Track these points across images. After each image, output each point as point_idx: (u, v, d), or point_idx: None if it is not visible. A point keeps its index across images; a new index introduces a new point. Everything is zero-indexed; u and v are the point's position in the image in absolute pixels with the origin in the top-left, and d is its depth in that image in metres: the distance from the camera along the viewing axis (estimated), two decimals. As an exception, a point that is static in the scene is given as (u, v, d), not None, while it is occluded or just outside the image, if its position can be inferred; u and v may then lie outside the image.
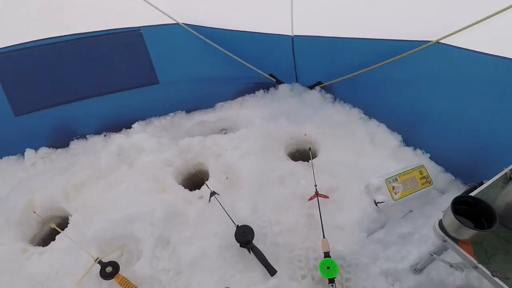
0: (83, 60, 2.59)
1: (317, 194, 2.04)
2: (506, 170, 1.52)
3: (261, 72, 3.08)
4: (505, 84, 1.72)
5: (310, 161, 2.33)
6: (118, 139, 2.69)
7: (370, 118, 2.71)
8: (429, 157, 2.30)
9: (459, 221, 1.20)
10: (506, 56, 1.66)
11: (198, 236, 2.05)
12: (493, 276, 1.15)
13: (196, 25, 2.71)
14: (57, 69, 2.55)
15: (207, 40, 2.76)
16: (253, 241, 1.91)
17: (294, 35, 2.66)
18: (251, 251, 1.89)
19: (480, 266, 1.18)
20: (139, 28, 2.60)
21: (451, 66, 1.99)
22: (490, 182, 1.48)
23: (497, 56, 1.70)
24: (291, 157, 2.63)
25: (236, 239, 1.92)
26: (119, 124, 2.91)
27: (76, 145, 2.79)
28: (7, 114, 2.51)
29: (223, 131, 3.02)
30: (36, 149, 2.72)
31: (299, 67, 3.03)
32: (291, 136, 2.68)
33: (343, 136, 2.55)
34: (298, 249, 1.94)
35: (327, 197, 2.09)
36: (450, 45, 1.93)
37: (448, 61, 1.99)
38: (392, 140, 2.45)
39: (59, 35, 2.43)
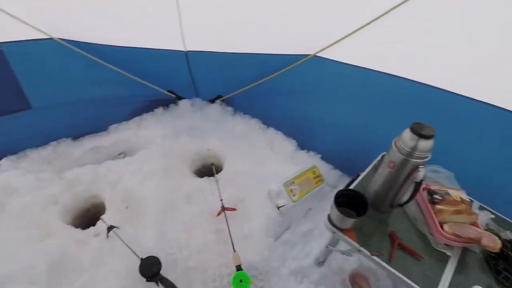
0: None
1: (223, 208, 2.02)
2: (375, 161, 1.79)
3: (158, 89, 2.94)
4: (370, 91, 2.04)
5: (214, 176, 2.30)
6: (-22, 182, 2.18)
7: (268, 127, 2.87)
8: (320, 158, 2.56)
9: (340, 213, 1.33)
10: (370, 68, 1.97)
11: (96, 281, 1.79)
12: (372, 255, 1.30)
13: (76, 41, 2.42)
14: None
15: (91, 56, 2.48)
16: (161, 272, 1.76)
17: (188, 51, 2.63)
18: (159, 283, 1.74)
19: (362, 248, 1.33)
20: (-1, 44, 2.17)
21: (327, 76, 2.26)
22: (364, 174, 1.71)
23: (363, 67, 2.00)
24: (198, 174, 2.56)
25: (141, 274, 1.74)
26: (-20, 163, 2.36)
27: None
28: None
29: (122, 155, 2.75)
30: None
31: (198, 82, 3.01)
32: (195, 152, 2.62)
33: (245, 146, 2.62)
34: (211, 269, 1.88)
35: (235, 209, 2.09)
36: (325, 58, 2.20)
37: (325, 72, 2.25)
38: (288, 145, 2.63)
39: None
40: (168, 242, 1.96)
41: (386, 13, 1.73)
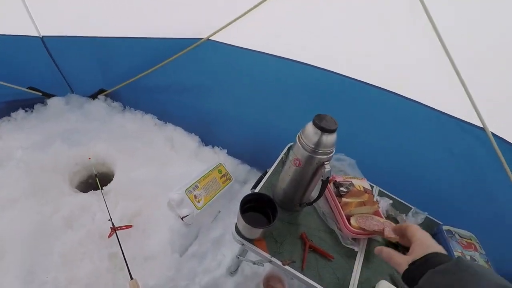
0: None
1: (114, 229, 1.70)
2: (281, 154, 1.71)
3: (14, 86, 2.29)
4: (270, 77, 1.92)
5: (100, 189, 1.92)
6: None
7: (166, 123, 2.55)
8: (226, 153, 2.40)
9: (247, 223, 1.20)
10: (263, 51, 1.84)
11: None
12: (283, 264, 1.22)
13: None
14: None
15: None
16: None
17: (43, 36, 2.09)
18: None
19: (273, 259, 1.24)
20: None
21: (223, 62, 2.06)
22: (272, 170, 1.61)
23: (256, 50, 1.86)
24: (83, 188, 2.12)
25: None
26: None
27: None
28: None
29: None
30: None
31: (69, 75, 2.47)
32: (76, 162, 2.15)
33: (140, 147, 2.27)
34: (104, 304, 1.57)
35: (130, 226, 1.79)
36: (219, 42, 1.99)
37: (220, 57, 2.04)
38: (190, 141, 2.40)
39: None
40: (42, 284, 1.54)
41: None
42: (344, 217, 1.40)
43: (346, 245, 1.38)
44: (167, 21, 2.07)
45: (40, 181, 1.93)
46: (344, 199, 1.45)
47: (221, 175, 2.04)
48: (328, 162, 1.23)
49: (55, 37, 2.10)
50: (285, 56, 1.82)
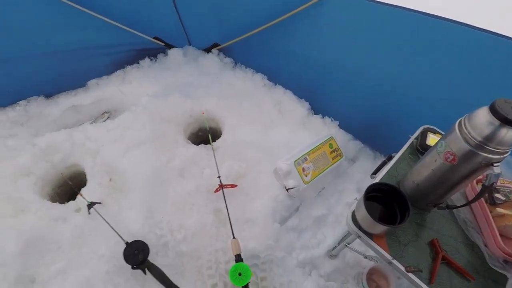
0: None
1: (221, 186, 1.73)
2: (412, 138, 1.42)
3: (142, 35, 2.45)
4: (403, 37, 1.54)
5: (210, 145, 1.96)
6: None
7: (275, 84, 2.43)
8: (338, 125, 2.17)
9: (372, 217, 1.02)
10: (400, 5, 1.46)
11: (77, 264, 1.57)
12: (407, 271, 1.02)
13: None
14: None
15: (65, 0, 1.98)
16: (149, 258, 1.54)
17: (173, -13, 2.11)
18: (146, 271, 1.53)
19: (394, 262, 1.05)
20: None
21: (347, 18, 1.72)
22: (398, 156, 1.35)
23: (392, 5, 1.48)
24: (193, 139, 2.23)
25: (125, 261, 1.52)
26: None
27: None
28: None
29: (106, 114, 2.40)
30: None
31: (189, 27, 2.52)
32: (190, 114, 2.25)
33: (248, 108, 2.23)
34: (207, 254, 1.65)
35: (235, 186, 1.80)
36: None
37: (344, 13, 1.71)
38: (300, 108, 2.23)
39: None
40: (158, 223, 1.70)
41: None
42: (496, 232, 1.09)
43: (494, 268, 1.09)
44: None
45: (160, 129, 2.08)
46: (499, 209, 1.13)
47: (332, 149, 1.85)
48: (498, 164, 0.91)
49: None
50: (433, 13, 1.39)
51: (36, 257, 1.59)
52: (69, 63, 2.32)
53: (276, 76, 2.43)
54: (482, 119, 0.87)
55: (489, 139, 0.86)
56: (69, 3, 2.00)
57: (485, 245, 1.13)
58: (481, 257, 1.11)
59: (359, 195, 1.12)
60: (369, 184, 1.11)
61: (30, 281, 1.54)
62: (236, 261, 1.50)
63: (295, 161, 1.68)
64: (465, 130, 0.92)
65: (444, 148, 0.99)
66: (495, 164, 0.91)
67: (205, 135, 2.30)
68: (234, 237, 1.57)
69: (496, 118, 0.83)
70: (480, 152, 0.89)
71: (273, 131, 2.15)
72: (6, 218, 1.69)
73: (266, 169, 1.84)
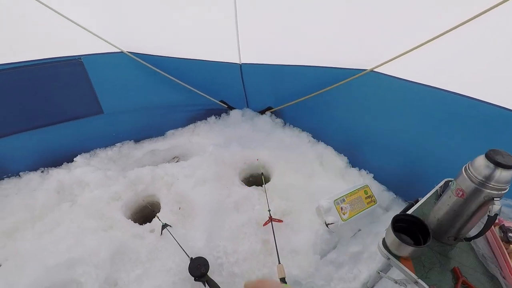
0: (17, 90, 2.38)
1: (271, 219, 2.06)
2: (437, 187, 1.69)
3: (212, 99, 3.12)
4: (430, 108, 1.94)
5: (263, 185, 2.36)
6: (57, 174, 2.49)
7: (318, 141, 2.87)
8: (373, 177, 2.47)
9: (398, 239, 1.28)
10: (428, 84, 1.89)
11: (150, 274, 1.93)
12: (431, 290, 1.23)
13: (142, 53, 2.69)
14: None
15: (154, 68, 2.74)
16: (208, 273, 1.84)
17: (242, 63, 2.76)
18: (206, 284, 1.82)
19: (419, 281, 1.26)
20: (79, 56, 2.48)
21: (384, 92, 2.20)
22: (424, 200, 1.62)
23: (421, 84, 1.93)
24: (245, 182, 2.64)
25: (190, 272, 1.84)
26: (59, 158, 2.69)
27: (7, 184, 2.50)
28: None
29: (175, 159, 2.95)
30: (-43, 191, 2.39)
31: (249, 93, 3.13)
32: (245, 161, 2.71)
33: (294, 159, 2.64)
34: (255, 277, 1.92)
35: (281, 221, 2.12)
36: (382, 73, 2.16)
37: (381, 88, 2.20)
38: (339, 161, 2.59)
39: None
40: (216, 246, 2.04)
41: (451, 29, 1.65)
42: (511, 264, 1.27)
43: (512, 298, 1.24)
44: (335, 53, 2.37)
45: (221, 171, 2.54)
46: (512, 247, 1.32)
47: (366, 196, 2.14)
48: (498, 199, 1.18)
49: (249, 64, 2.74)
50: (453, 91, 1.79)
51: (119, 265, 1.97)
52: (154, 116, 3.01)
53: (319, 134, 2.88)
54: (481, 163, 1.18)
55: (488, 178, 1.15)
56: (158, 71, 2.73)
57: (503, 277, 1.30)
58: (498, 286, 1.28)
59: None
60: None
61: (113, 284, 1.91)
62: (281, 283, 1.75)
63: (334, 200, 2.00)
64: (469, 172, 1.22)
65: (455, 185, 1.28)
66: (495, 199, 1.18)
67: (255, 180, 2.72)
68: (279, 263, 1.84)
69: (491, 162, 1.14)
70: (482, 188, 1.18)
71: (315, 179, 2.50)
72: (100, 231, 2.14)
73: (309, 208, 2.16)
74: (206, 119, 3.23)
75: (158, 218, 2.17)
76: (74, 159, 2.68)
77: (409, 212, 1.57)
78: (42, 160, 2.65)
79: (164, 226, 2.12)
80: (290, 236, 2.05)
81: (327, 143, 2.82)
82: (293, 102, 2.88)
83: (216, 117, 3.26)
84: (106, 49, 2.57)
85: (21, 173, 2.58)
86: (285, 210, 2.23)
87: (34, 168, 2.62)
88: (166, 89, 2.91)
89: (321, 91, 2.59)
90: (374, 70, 2.20)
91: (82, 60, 2.49)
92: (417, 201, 1.67)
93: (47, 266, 1.88)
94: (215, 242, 2.07)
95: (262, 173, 2.42)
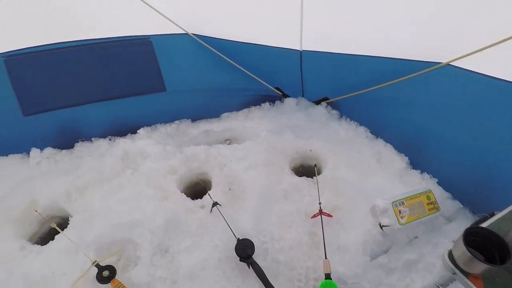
0: (92, 64, 2.63)
1: (321, 212, 2.02)
2: (519, 202, 1.51)
3: (267, 85, 3.10)
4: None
5: (315, 177, 2.31)
6: (123, 143, 2.70)
7: (377, 137, 2.70)
8: (437, 182, 2.27)
9: (471, 253, 1.17)
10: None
11: (197, 247, 2.02)
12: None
13: (205, 36, 2.75)
14: (67, 72, 2.59)
15: (215, 50, 2.79)
16: (253, 256, 1.88)
17: (303, 50, 2.68)
18: (250, 266, 1.86)
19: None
20: (149, 36, 2.64)
21: (461, 89, 1.97)
22: (503, 214, 1.45)
23: (508, 81, 1.69)
24: (295, 172, 2.61)
25: (236, 252, 1.90)
26: (125, 128, 2.91)
27: (81, 147, 2.78)
28: (16, 113, 2.53)
29: (228, 141, 3.02)
30: (41, 149, 2.72)
31: (306, 82, 3.05)
32: (297, 151, 2.67)
33: (349, 153, 2.54)
34: (299, 268, 1.91)
35: (331, 216, 2.06)
36: (461, 67, 1.92)
37: (458, 84, 1.97)
38: (398, 161, 2.43)
39: (71, 40, 2.47)
40: (262, 230, 2.07)
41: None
42: None
43: None
44: (405, 43, 2.18)
45: (272, 157, 2.54)
46: None
47: (429, 202, 1.99)
48: None
49: (310, 51, 2.65)
50: None
51: (171, 234, 2.10)
52: (211, 98, 3.09)
53: (378, 130, 2.72)
54: None
55: None
56: (218, 53, 2.78)
57: None
58: None
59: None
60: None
61: (164, 250, 2.04)
62: (326, 279, 1.72)
63: (393, 202, 1.88)
64: None
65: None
66: None
67: (305, 170, 2.68)
68: (326, 258, 1.81)
69: None
70: None
71: (370, 177, 2.38)
72: (156, 201, 2.29)
73: (362, 206, 2.08)
74: (260, 105, 3.23)
75: (209, 195, 2.25)
76: (138, 131, 2.88)
77: (484, 225, 1.42)
78: (110, 129, 2.90)
79: (215, 204, 2.20)
80: (339, 233, 1.99)
81: (387, 140, 2.64)
82: (352, 94, 2.73)
83: (270, 104, 3.24)
84: (173, 30, 2.68)
85: (92, 139, 2.85)
86: (336, 205, 2.17)
87: (103, 135, 2.88)
88: (224, 72, 2.95)
89: (385, 84, 2.41)
90: (450, 63, 1.99)
91: (151, 40, 2.63)
92: (492, 215, 1.50)
93: (111, 223, 2.09)
94: (262, 226, 2.10)
95: (315, 165, 2.37)
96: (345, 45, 2.48)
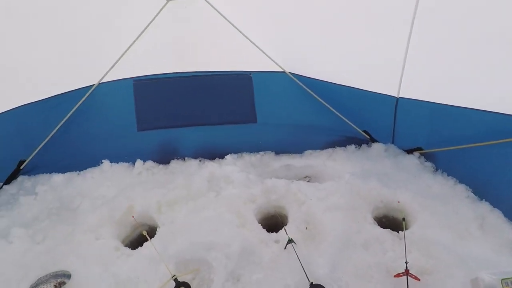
0: (198, 94, 3.02)
1: (407, 273, 1.82)
2: None
3: (355, 127, 3.06)
4: None
5: (401, 232, 2.12)
6: (211, 166, 2.93)
7: (481, 200, 2.35)
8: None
9: None
10: None
11: (268, 282, 2.00)
12: None
13: (301, 75, 2.92)
14: (177, 98, 3.02)
15: (307, 89, 2.93)
16: (326, 305, 1.78)
17: (400, 97, 2.60)
18: (321, 315, 1.76)
19: None
20: (250, 72, 2.94)
21: None
22: None
23: None
24: (379, 223, 2.43)
25: (309, 297, 1.82)
26: (214, 153, 3.16)
27: (175, 164, 3.11)
28: (132, 128, 3.01)
29: (307, 178, 3.01)
30: (144, 161, 3.12)
31: (398, 129, 2.91)
32: (381, 200, 2.50)
33: (443, 212, 2.27)
34: (377, 331, 1.72)
35: (418, 279, 1.83)
36: None
37: None
38: (509, 230, 2.07)
39: (185, 71, 2.91)
40: (338, 279, 1.95)
41: None
42: None
43: None
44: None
45: (355, 203, 2.44)
46: None
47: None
48: None
49: (408, 99, 2.56)
50: None
51: (244, 262, 2.13)
52: (297, 134, 3.17)
53: (483, 191, 2.37)
54: None
55: None
56: (311, 92, 2.91)
57: None
58: None
59: None
60: None
61: (236, 278, 2.06)
62: None
63: (502, 279, 1.58)
64: None
65: None
66: None
67: (389, 223, 2.48)
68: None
69: None
70: None
71: (470, 243, 2.07)
72: (234, 226, 2.37)
73: (457, 275, 1.81)
74: (345, 147, 3.16)
75: (285, 231, 2.24)
76: (225, 157, 3.10)
77: None
78: (201, 151, 3.19)
79: (290, 241, 2.17)
80: (428, 301, 1.75)
81: (494, 204, 2.27)
82: (453, 148, 2.49)
83: (356, 147, 3.15)
84: (271, 68, 2.93)
85: (186, 158, 3.17)
86: (425, 268, 1.93)
87: (194, 156, 3.18)
88: (313, 111, 3.04)
89: (494, 142, 2.16)
90: None
91: (251, 75, 2.91)
92: None
93: (191, 241, 2.24)
94: (337, 274, 1.98)
95: (403, 218, 2.18)
96: (446, 95, 2.36)
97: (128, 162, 3.14)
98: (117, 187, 2.84)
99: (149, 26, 2.68)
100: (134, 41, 2.72)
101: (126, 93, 2.95)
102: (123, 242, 2.48)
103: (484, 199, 2.34)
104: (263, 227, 2.41)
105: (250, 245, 2.23)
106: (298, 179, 2.92)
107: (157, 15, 2.63)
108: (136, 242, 2.50)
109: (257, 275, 2.04)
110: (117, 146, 3.08)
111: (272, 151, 3.22)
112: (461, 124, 2.39)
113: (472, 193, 2.43)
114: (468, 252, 2.01)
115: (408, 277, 1.81)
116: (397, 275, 1.88)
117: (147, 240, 2.24)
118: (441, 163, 2.75)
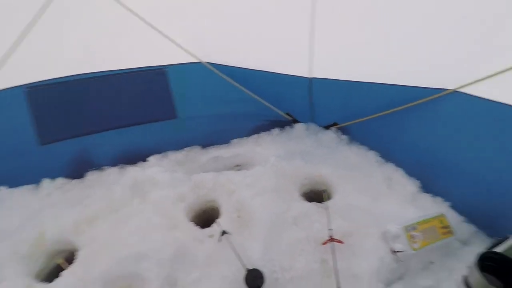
0: (107, 95, 2.75)
1: (331, 239, 1.96)
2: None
3: (277, 110, 3.14)
4: None
5: (324, 203, 2.26)
6: (133, 171, 2.72)
7: (387, 162, 2.66)
8: (450, 206, 2.19)
9: (486, 279, 1.11)
10: None
11: (206, 278, 1.97)
12: None
13: (218, 64, 2.86)
14: (83, 102, 2.71)
15: (227, 78, 2.88)
16: (263, 287, 1.81)
17: (312, 77, 2.74)
18: (260, 298, 1.79)
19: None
20: (164, 66, 2.76)
21: (469, 115, 2.00)
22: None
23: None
24: (306, 198, 2.56)
25: (246, 283, 1.84)
26: (135, 156, 2.95)
27: (91, 176, 2.82)
28: (32, 143, 2.60)
29: (237, 167, 3.01)
30: (53, 178, 2.76)
31: (316, 107, 3.07)
32: (306, 177, 2.64)
33: (359, 179, 2.50)
34: (312, 300, 1.83)
35: (342, 243, 2.00)
36: (468, 94, 1.95)
37: (466, 110, 2.01)
38: (409, 185, 2.37)
39: (88, 71, 2.60)
40: (272, 260, 2.01)
41: None
42: None
43: None
44: (413, 70, 2.22)
45: (282, 183, 2.51)
46: None
47: (442, 226, 1.91)
48: None
49: (320, 79, 2.71)
50: None
51: (179, 265, 2.05)
52: (221, 124, 3.12)
53: (388, 154, 2.68)
54: None
55: None
56: (230, 80, 2.88)
57: None
58: None
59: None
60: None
61: (174, 283, 1.98)
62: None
63: (405, 226, 1.81)
64: None
65: None
66: None
67: (316, 197, 2.62)
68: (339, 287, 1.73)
69: None
70: None
71: (381, 202, 2.32)
72: (164, 230, 2.26)
73: (373, 233, 2.01)
74: (269, 131, 3.24)
75: (217, 223, 2.22)
76: (148, 158, 2.91)
77: (498, 249, 1.35)
78: (120, 157, 2.94)
79: (223, 232, 2.16)
80: (351, 260, 1.92)
81: (397, 164, 2.59)
82: (361, 120, 2.74)
83: (280, 129, 3.25)
84: (186, 60, 2.79)
85: (103, 167, 2.89)
86: (347, 232, 2.09)
87: (114, 164, 2.92)
88: (235, 99, 3.02)
89: (394, 110, 2.44)
90: (458, 90, 2.00)
91: (166, 70, 2.75)
92: (506, 239, 1.43)
93: (118, 257, 2.06)
94: (271, 255, 2.04)
95: (324, 190, 2.33)
96: (354, 73, 2.55)
97: (32, 184, 2.73)
98: (21, 216, 2.44)
99: (37, 24, 2.30)
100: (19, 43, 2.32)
101: (17, 103, 2.52)
102: (37, 277, 2.17)
103: (389, 161, 2.65)
104: (197, 224, 2.35)
105: (183, 246, 2.15)
106: (229, 169, 2.91)
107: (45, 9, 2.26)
108: (55, 273, 2.19)
109: (194, 275, 1.99)
110: (14, 167, 2.65)
111: (198, 145, 3.13)
112: (368, 98, 2.62)
113: (380, 157, 2.72)
114: (380, 210, 2.25)
115: (333, 242, 1.95)
116: (324, 243, 2.02)
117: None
118: (354, 134, 3.01)
